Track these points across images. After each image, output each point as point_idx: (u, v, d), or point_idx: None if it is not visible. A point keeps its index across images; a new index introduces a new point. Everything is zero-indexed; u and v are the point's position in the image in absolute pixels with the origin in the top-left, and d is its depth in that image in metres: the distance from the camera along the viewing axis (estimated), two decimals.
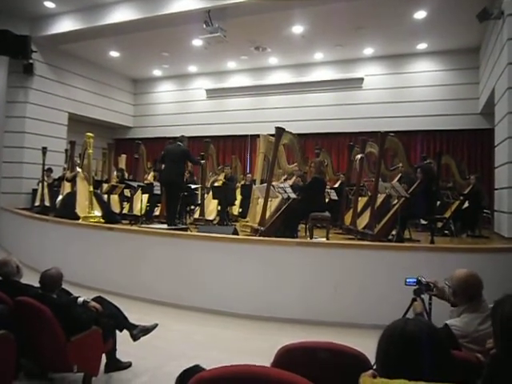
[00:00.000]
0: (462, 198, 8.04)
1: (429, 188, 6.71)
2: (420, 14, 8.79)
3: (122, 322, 3.52)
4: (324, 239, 6.21)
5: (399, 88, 11.46)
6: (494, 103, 8.16)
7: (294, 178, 7.91)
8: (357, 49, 11.16)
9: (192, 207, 9.07)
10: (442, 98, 10.98)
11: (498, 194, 7.81)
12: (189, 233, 6.41)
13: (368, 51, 11.28)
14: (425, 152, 10.84)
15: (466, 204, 8.05)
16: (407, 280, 2.70)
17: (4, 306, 3.00)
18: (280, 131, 6.67)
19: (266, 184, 6.79)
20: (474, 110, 10.55)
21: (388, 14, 8.84)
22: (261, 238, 6.01)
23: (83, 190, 8.04)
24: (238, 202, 9.50)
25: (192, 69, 13.59)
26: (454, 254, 4.98)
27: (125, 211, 9.12)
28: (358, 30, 9.66)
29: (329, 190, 8.11)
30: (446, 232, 7.71)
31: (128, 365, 3.54)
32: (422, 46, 10.75)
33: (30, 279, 3.49)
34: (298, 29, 9.81)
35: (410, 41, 10.40)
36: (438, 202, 7.78)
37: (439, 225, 7.66)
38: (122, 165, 11.03)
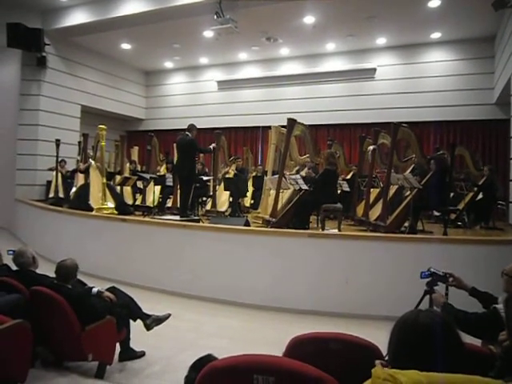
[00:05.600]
0: (475, 189, 7.94)
1: (442, 179, 6.64)
2: (434, 3, 8.60)
3: (136, 312, 3.57)
4: (336, 231, 6.19)
5: (412, 78, 11.28)
6: (510, 93, 8.02)
7: (306, 169, 7.89)
8: (369, 39, 11.00)
9: (204, 199, 9.10)
10: (456, 88, 10.79)
11: None
12: (201, 224, 6.44)
13: (380, 41, 11.12)
14: (438, 143, 10.70)
15: (480, 195, 7.95)
16: (423, 273, 2.63)
17: (20, 295, 3.06)
18: (292, 122, 6.64)
19: (277, 175, 6.78)
20: (489, 100, 10.36)
21: (401, 3, 8.69)
22: (272, 229, 6.02)
23: (96, 181, 8.14)
24: (249, 194, 9.52)
25: (203, 60, 13.56)
26: (467, 245, 4.94)
27: (137, 203, 9.21)
28: (370, 19, 9.50)
29: (341, 182, 8.06)
30: (460, 224, 7.63)
31: (141, 354, 3.60)
32: (435, 36, 10.54)
33: (46, 270, 3.56)
34: (309, 19, 9.70)
35: (423, 30, 10.21)
36: (452, 194, 7.69)
37: (453, 216, 7.58)
38: (135, 157, 11.11)
